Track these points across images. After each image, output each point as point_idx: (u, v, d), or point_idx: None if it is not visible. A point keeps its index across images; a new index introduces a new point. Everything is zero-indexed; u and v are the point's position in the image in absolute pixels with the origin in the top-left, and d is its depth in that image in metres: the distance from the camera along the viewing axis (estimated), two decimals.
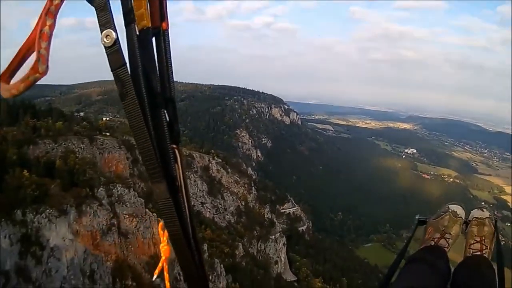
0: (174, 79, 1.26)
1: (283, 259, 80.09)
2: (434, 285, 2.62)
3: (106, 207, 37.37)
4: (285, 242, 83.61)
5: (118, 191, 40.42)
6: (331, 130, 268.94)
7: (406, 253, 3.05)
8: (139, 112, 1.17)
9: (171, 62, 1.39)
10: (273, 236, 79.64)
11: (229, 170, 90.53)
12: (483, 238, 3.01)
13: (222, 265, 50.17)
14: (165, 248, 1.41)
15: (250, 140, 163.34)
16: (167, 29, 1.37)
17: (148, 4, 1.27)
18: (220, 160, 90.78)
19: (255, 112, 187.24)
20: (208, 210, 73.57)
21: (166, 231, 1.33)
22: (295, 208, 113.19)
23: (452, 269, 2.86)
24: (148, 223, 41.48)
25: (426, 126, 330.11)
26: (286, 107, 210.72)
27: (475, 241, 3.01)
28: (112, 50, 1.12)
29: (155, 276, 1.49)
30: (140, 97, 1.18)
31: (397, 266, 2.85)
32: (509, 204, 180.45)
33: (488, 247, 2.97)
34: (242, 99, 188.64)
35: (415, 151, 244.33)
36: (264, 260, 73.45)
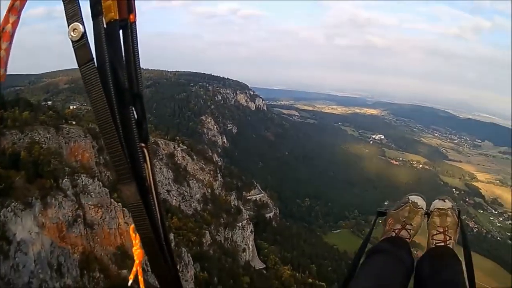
0: (141, 66, 1.22)
1: (251, 247, 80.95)
2: (398, 276, 2.68)
3: (71, 198, 37.02)
4: (253, 229, 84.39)
5: (82, 182, 39.98)
6: (297, 115, 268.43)
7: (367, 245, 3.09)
8: (107, 111, 1.13)
9: (138, 56, 1.34)
10: (240, 223, 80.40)
11: (194, 157, 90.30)
12: (447, 228, 3.04)
13: (189, 254, 50.48)
14: (138, 252, 1.36)
15: (215, 126, 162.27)
16: (134, 22, 1.31)
17: None
18: (185, 147, 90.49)
19: (220, 98, 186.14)
20: (174, 198, 73.36)
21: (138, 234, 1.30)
22: (261, 194, 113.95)
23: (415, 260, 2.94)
24: (113, 213, 41.40)
25: (394, 112, 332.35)
26: (252, 93, 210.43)
27: (438, 232, 3.05)
28: (79, 44, 1.09)
29: (130, 281, 1.44)
30: (108, 95, 1.14)
31: (360, 259, 2.87)
32: (481, 191, 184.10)
33: (452, 238, 3.02)
34: (207, 85, 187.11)
35: (382, 137, 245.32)
36: (232, 248, 74.25)
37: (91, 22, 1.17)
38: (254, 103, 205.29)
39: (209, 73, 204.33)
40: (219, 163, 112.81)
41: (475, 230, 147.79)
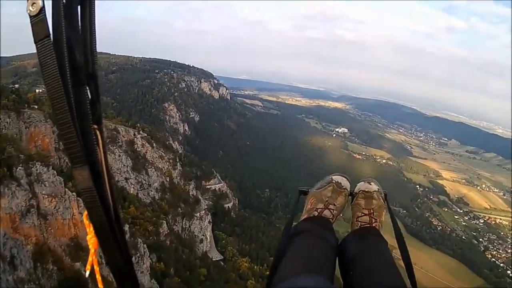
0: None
1: (208, 238, 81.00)
2: (327, 255, 2.64)
3: (24, 187, 36.31)
4: (211, 220, 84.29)
5: (37, 170, 39.35)
6: (260, 106, 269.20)
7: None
8: (61, 90, 1.08)
9: (95, 34, 1.27)
10: (198, 214, 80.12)
11: (154, 144, 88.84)
12: (372, 211, 2.99)
13: (145, 245, 50.23)
14: (93, 240, 1.29)
15: (178, 114, 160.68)
16: None
17: None
18: (146, 135, 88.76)
19: (184, 85, 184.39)
20: (132, 186, 72.52)
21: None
22: (221, 184, 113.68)
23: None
24: (67, 203, 40.63)
25: (359, 106, 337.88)
26: (216, 81, 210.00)
27: (363, 214, 2.99)
28: (37, 19, 1.05)
29: (87, 272, 1.40)
30: (63, 72, 1.10)
31: (287, 241, 2.81)
32: (446, 189, 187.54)
33: (378, 220, 2.96)
34: (172, 72, 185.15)
35: (346, 130, 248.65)
36: (189, 239, 73.81)
37: None
38: (218, 91, 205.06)
39: (174, 60, 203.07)
40: (179, 152, 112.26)
41: (439, 228, 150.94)
